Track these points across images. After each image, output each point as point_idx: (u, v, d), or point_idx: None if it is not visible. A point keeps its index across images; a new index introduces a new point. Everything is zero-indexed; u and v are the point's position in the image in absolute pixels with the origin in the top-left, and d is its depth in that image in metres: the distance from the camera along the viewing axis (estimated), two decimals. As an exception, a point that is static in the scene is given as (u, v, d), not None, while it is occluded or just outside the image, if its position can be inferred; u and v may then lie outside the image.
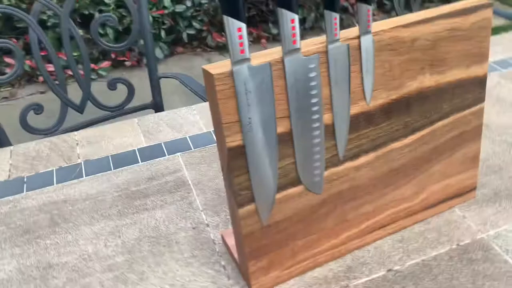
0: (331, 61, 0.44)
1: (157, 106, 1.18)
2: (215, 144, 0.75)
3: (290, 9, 0.40)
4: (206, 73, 0.41)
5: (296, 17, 0.40)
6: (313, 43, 0.44)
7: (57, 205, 0.65)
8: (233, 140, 0.43)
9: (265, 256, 0.50)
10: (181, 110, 0.85)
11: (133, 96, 1.15)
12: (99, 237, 0.59)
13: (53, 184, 0.69)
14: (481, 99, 0.57)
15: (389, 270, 0.54)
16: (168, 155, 0.74)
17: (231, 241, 0.56)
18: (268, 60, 0.42)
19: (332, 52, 0.44)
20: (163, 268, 0.55)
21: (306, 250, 0.53)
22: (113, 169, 0.71)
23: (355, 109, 0.48)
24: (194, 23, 2.66)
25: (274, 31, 2.80)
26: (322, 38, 0.45)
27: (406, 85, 0.50)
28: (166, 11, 2.52)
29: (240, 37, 0.39)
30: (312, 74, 0.44)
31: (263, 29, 2.83)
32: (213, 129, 0.78)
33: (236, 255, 0.54)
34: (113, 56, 2.57)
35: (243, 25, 0.39)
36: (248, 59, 0.40)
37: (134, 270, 0.55)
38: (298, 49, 0.42)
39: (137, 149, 0.75)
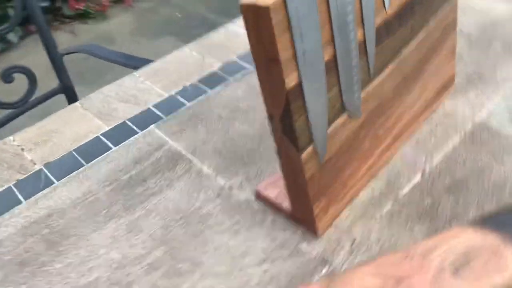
0: (362, -30, 0.41)
1: (68, 89, 1.03)
2: (187, 106, 0.68)
3: None
4: (251, 8, 0.35)
5: None
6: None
7: (42, 223, 0.53)
8: (292, 79, 0.38)
9: (323, 195, 0.48)
10: (124, 81, 0.75)
11: (36, 85, 0.98)
12: (119, 239, 0.51)
13: (22, 202, 0.56)
14: (456, -10, 0.59)
15: (423, 172, 0.55)
16: (141, 131, 0.65)
17: (272, 193, 0.52)
18: (311, -21, 0.37)
19: (362, -40, 0.40)
20: (212, 245, 0.49)
21: (352, 177, 0.51)
22: (86, 163, 0.60)
23: (377, 20, 0.46)
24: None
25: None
26: None
27: (412, -15, 0.49)
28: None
29: (295, -46, 0.33)
30: (347, -12, 0.40)
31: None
32: (174, 91, 0.71)
33: (284, 205, 0.51)
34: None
35: None
36: (299, -19, 0.35)
37: (182, 258, 0.48)
38: (337, -39, 0.38)
39: (101, 134, 0.65)
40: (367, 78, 0.48)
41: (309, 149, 0.43)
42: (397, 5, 0.48)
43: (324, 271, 0.46)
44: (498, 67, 0.70)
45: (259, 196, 0.53)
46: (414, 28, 0.52)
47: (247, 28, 0.37)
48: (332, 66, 0.42)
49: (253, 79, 0.72)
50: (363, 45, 0.45)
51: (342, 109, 0.46)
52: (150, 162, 0.60)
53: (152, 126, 0.65)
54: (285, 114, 0.40)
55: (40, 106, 1.00)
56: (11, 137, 0.66)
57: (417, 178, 0.55)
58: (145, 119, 0.66)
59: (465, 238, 0.48)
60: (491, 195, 0.52)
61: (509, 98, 0.64)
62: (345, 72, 0.44)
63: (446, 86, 0.65)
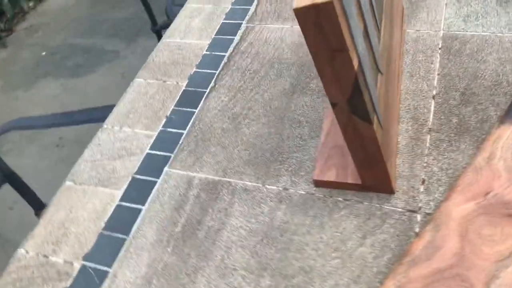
0: None
1: (12, 176, 0.91)
2: (184, 134, 0.64)
3: None
4: (310, 8, 0.35)
5: None
6: None
7: (127, 314, 0.49)
8: (356, 61, 0.39)
9: (387, 155, 0.50)
10: (100, 137, 0.68)
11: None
12: (219, 285, 0.48)
13: (89, 306, 0.50)
14: None
15: (434, 97, 0.60)
16: (157, 178, 0.60)
17: (332, 176, 0.53)
18: (340, -38, 0.37)
19: None
20: (309, 248, 0.49)
21: (391, 129, 0.54)
22: (127, 236, 0.55)
23: (370, -21, 0.48)
24: None
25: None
26: None
27: None
28: None
29: None
30: (357, -41, 0.41)
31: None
32: (161, 126, 0.67)
33: (350, 180, 0.52)
34: None
35: None
36: (341, -32, 0.35)
37: (292, 274, 0.48)
38: None
39: (119, 200, 0.59)
40: (379, 35, 0.50)
41: (375, 119, 0.45)
42: (373, -41, 0.50)
43: (419, 218, 0.49)
44: (427, -17, 0.77)
45: (319, 184, 0.54)
46: (383, -25, 0.55)
47: (306, 28, 0.36)
48: (365, 35, 0.43)
49: (228, 82, 0.71)
50: (371, 7, 0.47)
51: (377, 70, 0.47)
52: (192, 203, 0.57)
53: (166, 169, 0.61)
54: (354, 95, 0.41)
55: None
56: (22, 250, 0.57)
57: (432, 104, 0.59)
58: (152, 166, 0.62)
59: (508, 135, 0.53)
60: (496, 91, 0.59)
61: (451, 6, 0.72)
62: (371, 34, 0.45)
63: (403, 15, 0.69)
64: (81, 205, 0.60)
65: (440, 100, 0.60)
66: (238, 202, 0.55)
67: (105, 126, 0.70)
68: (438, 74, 0.63)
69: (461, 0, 0.72)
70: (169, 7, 1.45)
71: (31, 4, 2.59)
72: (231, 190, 0.57)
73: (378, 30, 0.50)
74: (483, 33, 0.66)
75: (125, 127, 0.69)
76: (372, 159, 0.48)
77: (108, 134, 0.68)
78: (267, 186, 0.56)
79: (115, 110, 0.72)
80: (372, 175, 0.50)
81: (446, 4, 0.72)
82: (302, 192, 0.55)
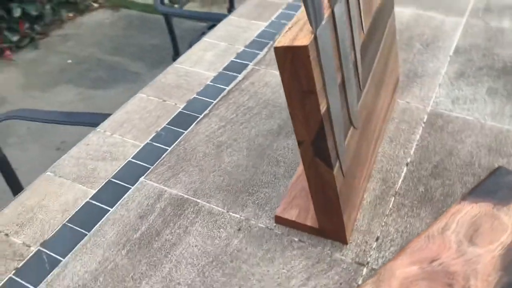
0: (350, 1, 0.46)
1: (1, 161, 0.94)
2: (168, 151, 0.68)
3: (338, -42, 0.39)
4: (287, 49, 0.38)
5: (343, -35, 0.40)
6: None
7: (66, 305, 0.50)
8: (323, 106, 0.42)
9: (346, 205, 0.52)
10: (91, 139, 0.71)
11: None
12: (159, 298, 0.49)
13: (33, 290, 0.52)
14: (393, 4, 0.68)
15: (407, 164, 0.63)
16: (132, 185, 0.63)
17: (293, 215, 0.55)
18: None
19: (351, -8, 0.46)
20: (254, 278, 0.50)
21: (359, 183, 0.56)
22: (88, 232, 0.57)
23: (359, 42, 0.52)
24: None
25: (14, 38, 2.41)
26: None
27: (372, 7, 0.56)
28: None
29: (323, -3, 0.37)
30: (344, 18, 0.45)
31: (2, 40, 2.39)
32: (148, 139, 0.70)
33: (309, 222, 0.54)
34: None
35: (324, -16, 0.37)
36: (323, 18, 0.39)
37: (232, 299, 0.49)
38: (339, -3, 0.43)
39: (90, 199, 0.61)
40: (359, 93, 0.53)
41: (337, 165, 0.47)
42: (367, 25, 0.55)
43: (364, 271, 0.51)
44: (425, 63, 0.81)
45: (279, 221, 0.56)
46: (378, 42, 0.60)
47: (282, 67, 0.40)
48: (342, 87, 0.47)
49: (222, 112, 0.75)
50: (355, 66, 0.51)
51: (350, 123, 0.51)
52: (156, 214, 0.59)
53: (141, 178, 0.64)
54: (318, 137, 0.44)
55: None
56: (-13, 224, 0.59)
57: (404, 170, 0.62)
58: (130, 173, 0.65)
59: (466, 211, 0.55)
60: (466, 170, 0.61)
61: (444, 87, 0.76)
62: (350, 90, 0.49)
63: (396, 86, 0.74)
64: (54, 196, 0.63)
65: (412, 168, 0.62)
66: (200, 223, 0.57)
67: (98, 129, 0.73)
68: (417, 145, 0.66)
69: (455, 83, 0.76)
70: (194, 40, 1.53)
71: (71, 14, 2.73)
72: (196, 210, 0.59)
73: (360, 88, 0.53)
74: (467, 117, 0.69)
75: (116, 133, 0.72)
76: (329, 205, 0.50)
77: (99, 137, 0.72)
78: (231, 213, 0.58)
79: (111, 117, 0.76)
80: (329, 222, 0.52)
81: (439, 84, 0.76)
82: (262, 226, 0.56)
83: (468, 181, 0.60)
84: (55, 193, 0.63)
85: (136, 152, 0.68)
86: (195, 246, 0.55)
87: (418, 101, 0.73)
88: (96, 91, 2.16)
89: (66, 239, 0.57)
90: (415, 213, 0.56)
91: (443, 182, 0.60)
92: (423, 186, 0.60)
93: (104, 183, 0.64)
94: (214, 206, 0.59)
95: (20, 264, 0.55)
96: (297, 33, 0.40)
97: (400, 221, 0.56)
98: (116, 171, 0.65)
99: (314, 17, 0.38)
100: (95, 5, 2.87)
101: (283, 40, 0.39)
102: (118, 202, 0.61)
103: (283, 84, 0.41)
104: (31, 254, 0.56)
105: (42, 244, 0.57)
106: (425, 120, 0.69)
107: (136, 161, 0.67)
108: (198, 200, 0.60)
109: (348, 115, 0.50)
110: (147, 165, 0.66)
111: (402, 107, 0.72)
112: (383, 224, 0.55)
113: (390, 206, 0.57)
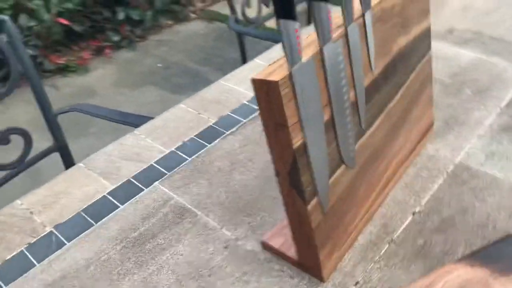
0: (351, 41, 0.47)
1: (62, 147, 1.05)
2: (188, 161, 0.72)
3: (326, 0, 0.40)
4: (263, 83, 0.40)
5: (331, 9, 0.41)
6: (334, 27, 0.46)
7: (58, 284, 0.55)
8: (297, 140, 0.43)
9: (328, 242, 0.51)
10: (127, 139, 0.78)
11: (31, 145, 1.00)
12: (134, 296, 0.53)
13: (36, 265, 0.58)
14: (430, 47, 0.66)
15: (414, 213, 0.60)
16: (146, 188, 0.68)
17: (278, 243, 0.56)
18: (309, 53, 0.42)
19: (351, 33, 0.46)
20: (225, 296, 0.52)
21: (351, 223, 0.55)
22: (95, 223, 0.63)
23: (366, 81, 0.52)
24: (27, 50, 2.35)
25: (115, 38, 2.66)
26: (337, 20, 0.46)
27: (392, 48, 0.55)
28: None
29: (298, 37, 0.39)
30: (340, 58, 0.46)
31: (103, 39, 2.66)
32: (174, 147, 0.75)
33: (290, 254, 0.54)
34: None
35: (299, 25, 0.38)
36: (300, 58, 0.40)
37: (197, 312, 0.51)
38: (331, 38, 0.43)
39: (107, 193, 0.67)
40: (360, 132, 0.53)
41: (314, 200, 0.47)
42: (382, 66, 0.54)
43: (333, 314, 0.49)
44: (471, 111, 0.77)
45: (265, 246, 0.57)
46: (398, 84, 0.58)
47: (258, 98, 0.42)
48: (330, 124, 0.47)
49: (248, 132, 0.77)
50: (355, 104, 0.51)
51: (340, 161, 0.50)
52: (157, 218, 0.62)
53: (156, 183, 0.68)
54: (292, 171, 0.44)
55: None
56: (18, 201, 0.68)
57: (409, 219, 0.59)
58: (149, 176, 0.70)
59: (458, 274, 0.52)
60: (477, 232, 0.57)
61: (483, 139, 0.71)
62: (341, 129, 0.49)
63: (427, 131, 0.70)
64: (79, 186, 0.69)
65: (418, 219, 0.59)
66: (193, 234, 0.60)
67: (135, 131, 0.80)
68: (432, 195, 0.62)
69: (496, 137, 0.71)
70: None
71: (169, 22, 2.94)
72: (194, 221, 0.62)
73: (361, 126, 0.52)
74: (496, 175, 0.64)
75: (148, 138, 0.78)
76: (305, 239, 0.50)
77: (133, 138, 0.78)
78: (224, 230, 0.60)
79: (150, 121, 0.82)
80: (306, 256, 0.52)
81: (478, 136, 0.71)
82: (248, 248, 0.57)
83: (474, 243, 0.55)
84: (80, 183, 0.70)
85: (159, 158, 0.73)
86: (181, 254, 0.57)
87: (448, 149, 0.69)
88: (174, 96, 2.30)
89: (76, 226, 0.63)
90: (405, 265, 0.54)
91: (446, 238, 0.56)
92: (423, 239, 0.56)
93: (123, 182, 0.69)
94: (210, 220, 0.61)
95: (33, 241, 0.61)
96: (276, 68, 0.41)
97: (386, 270, 0.53)
98: (137, 172, 0.71)
99: (289, 57, 0.39)
100: (193, 15, 3.06)
101: (261, 73, 0.41)
102: (129, 201, 0.66)
103: (260, 114, 0.43)
104: (44, 233, 0.62)
105: (55, 227, 0.63)
106: (449, 171, 0.66)
107: (157, 166, 0.72)
108: (198, 212, 0.63)
109: (338, 153, 0.49)
110: (165, 171, 0.70)
111: (430, 153, 0.69)
112: (368, 269, 0.54)
113: (382, 253, 0.55)
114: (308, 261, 0.52)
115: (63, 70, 2.55)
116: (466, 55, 0.92)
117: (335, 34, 0.45)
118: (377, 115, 0.55)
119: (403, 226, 0.59)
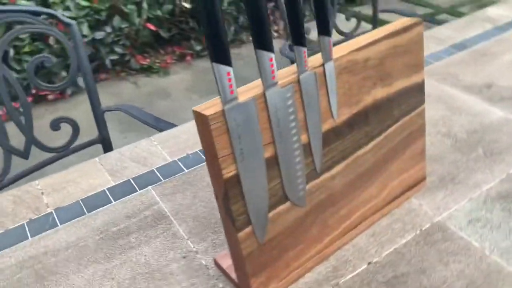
0: (304, 88, 0.50)
1: (105, 141, 1.17)
2: (184, 172, 0.78)
3: (267, 49, 0.44)
4: (199, 115, 0.45)
5: (273, 56, 0.45)
6: (287, 74, 0.49)
7: (38, 258, 0.64)
8: (229, 171, 0.47)
9: (263, 271, 0.54)
10: (141, 143, 0.87)
11: (78, 134, 1.13)
12: (92, 283, 0.60)
13: (28, 238, 0.67)
14: (422, 101, 0.65)
15: (369, 263, 0.60)
16: (140, 190, 0.75)
17: (226, 264, 0.59)
18: (251, 95, 0.46)
19: (303, 81, 0.49)
20: (165, 301, 0.57)
21: (296, 259, 0.57)
22: (88, 213, 0.71)
23: (325, 127, 0.54)
24: (116, 49, 2.61)
25: (197, 47, 2.83)
26: (293, 68, 0.50)
27: (363, 99, 0.57)
28: (86, 39, 2.46)
29: (229, 80, 0.43)
30: (289, 102, 0.49)
31: (187, 46, 2.85)
32: (178, 157, 0.81)
33: (233, 276, 0.58)
34: (33, 91, 2.45)
35: (231, 69, 0.43)
36: (236, 98, 0.45)
37: (137, 309, 0.56)
38: (276, 83, 0.47)
39: (107, 189, 0.76)
40: (314, 174, 0.55)
41: (248, 229, 0.51)
42: (348, 114, 0.56)
43: None
44: (473, 172, 0.74)
45: (216, 264, 0.61)
46: (370, 134, 0.60)
47: (198, 128, 0.46)
48: (274, 162, 0.50)
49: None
50: (308, 147, 0.53)
51: (285, 198, 0.53)
52: (138, 219, 0.69)
53: (150, 187, 0.75)
54: (225, 198, 0.48)
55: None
56: (36, 181, 0.79)
57: (362, 267, 0.60)
58: (146, 180, 0.77)
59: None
60: (428, 294, 0.56)
61: (474, 203, 0.68)
62: (287, 168, 0.51)
63: (414, 185, 0.70)
64: (87, 177, 0.79)
65: (371, 269, 0.59)
66: (161, 239, 0.66)
67: (151, 138, 0.88)
68: (395, 249, 0.62)
69: (488, 203, 0.68)
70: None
71: (250, 38, 3.07)
72: (166, 228, 0.67)
73: (315, 169, 0.54)
74: (472, 242, 0.62)
75: (160, 145, 0.85)
76: (239, 264, 0.53)
77: (146, 144, 0.86)
78: (188, 242, 0.65)
79: (167, 131, 0.90)
80: (242, 280, 0.55)
81: (470, 199, 0.69)
82: (203, 262, 0.62)
83: (418, 305, 0.54)
84: (89, 175, 0.79)
85: (161, 165, 0.80)
86: (145, 255, 0.63)
87: (432, 207, 0.68)
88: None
89: (71, 212, 0.72)
90: (339, 311, 0.54)
91: (391, 295, 0.56)
92: (368, 290, 0.57)
93: (123, 181, 0.77)
94: (181, 230, 0.67)
95: (34, 217, 0.71)
96: (216, 103, 0.45)
97: (319, 311, 0.55)
98: (138, 174, 0.78)
99: (222, 96, 0.44)
100: (275, 34, 3.16)
101: (201, 106, 0.46)
102: (121, 199, 0.73)
103: (201, 143, 0.47)
104: (44, 213, 0.72)
105: (56, 209, 0.72)
106: (423, 228, 0.64)
107: (156, 172, 0.79)
108: (174, 221, 0.68)
109: (282, 189, 0.52)
110: (161, 178, 0.77)
111: (412, 207, 0.68)
112: (302, 307, 0.55)
113: (322, 294, 0.57)
114: (244, 286, 0.55)
115: (147, 70, 2.77)
116: (494, 113, 0.89)
117: (284, 80, 0.48)
118: (339, 161, 0.57)
119: (354, 273, 0.59)
